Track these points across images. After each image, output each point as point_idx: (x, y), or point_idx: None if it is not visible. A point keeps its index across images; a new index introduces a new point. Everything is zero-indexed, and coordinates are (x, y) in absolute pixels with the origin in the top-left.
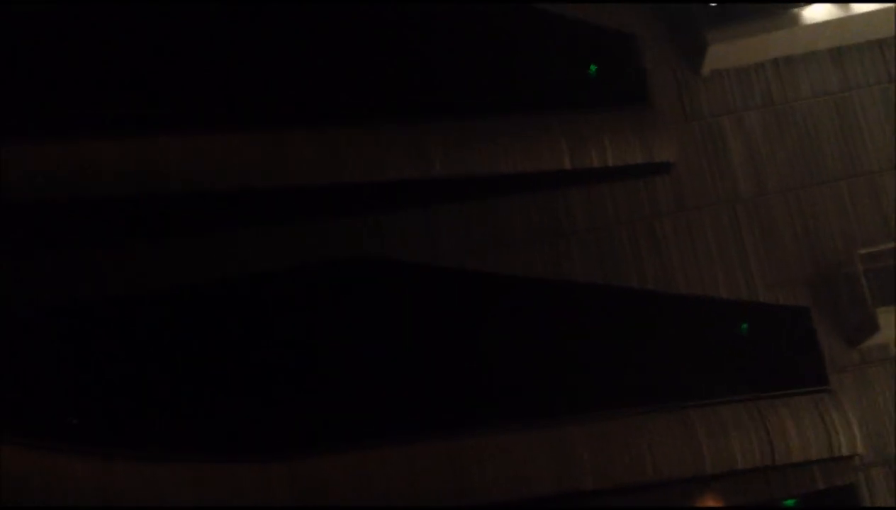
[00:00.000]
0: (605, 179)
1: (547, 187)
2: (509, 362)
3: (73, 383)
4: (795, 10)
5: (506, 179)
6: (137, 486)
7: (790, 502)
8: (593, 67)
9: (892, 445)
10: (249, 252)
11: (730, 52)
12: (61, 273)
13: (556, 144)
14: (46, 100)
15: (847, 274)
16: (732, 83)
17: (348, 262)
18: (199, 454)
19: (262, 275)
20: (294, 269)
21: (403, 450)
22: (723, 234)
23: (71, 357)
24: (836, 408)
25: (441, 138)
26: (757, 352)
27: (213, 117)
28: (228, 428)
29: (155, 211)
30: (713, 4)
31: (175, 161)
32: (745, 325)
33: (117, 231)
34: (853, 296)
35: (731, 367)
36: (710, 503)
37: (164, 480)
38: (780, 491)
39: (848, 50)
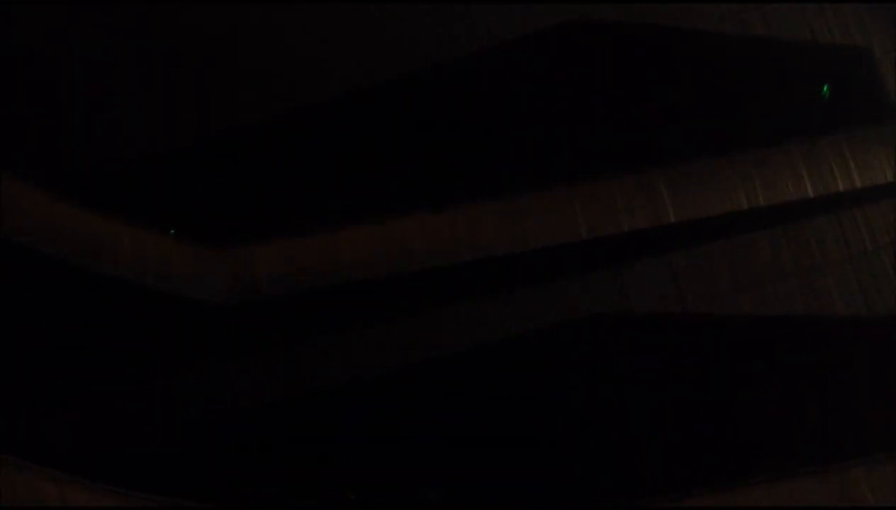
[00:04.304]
0: (855, 203)
1: (793, 219)
2: (777, 410)
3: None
4: None
5: (747, 216)
6: None
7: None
8: (826, 88)
9: None
10: (494, 319)
11: None
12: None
13: (796, 172)
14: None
15: None
16: None
17: (594, 320)
18: None
19: (509, 340)
20: (541, 331)
21: None
22: None
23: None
24: None
25: (671, 182)
26: None
27: (445, 195)
28: (489, 491)
29: (398, 289)
30: None
31: (418, 240)
32: None
33: (368, 311)
34: None
35: None
36: None
37: None
38: None
39: None
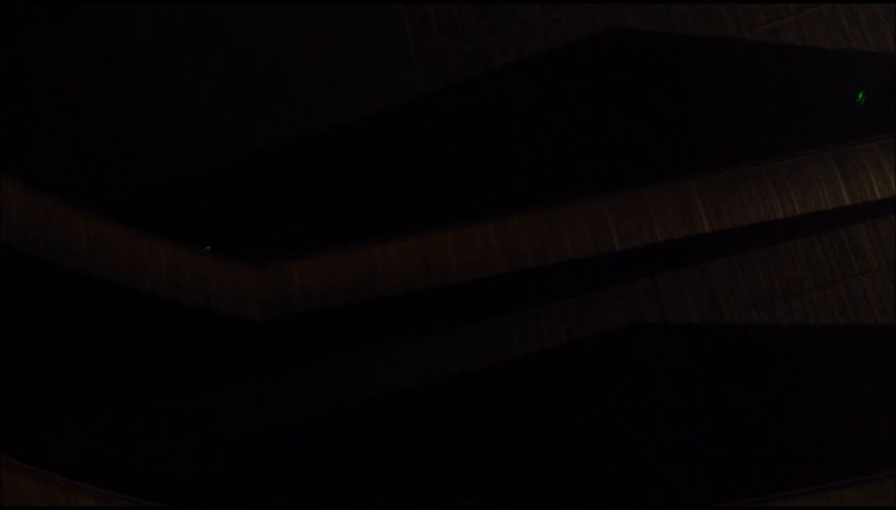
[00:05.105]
0: (892, 210)
1: (829, 227)
2: (814, 419)
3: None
4: None
5: (782, 224)
6: None
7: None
8: (861, 95)
9: None
10: (529, 330)
11: None
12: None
13: (832, 180)
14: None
15: None
16: None
17: (629, 331)
18: None
19: (544, 351)
20: (576, 342)
21: None
22: None
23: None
24: None
25: (704, 191)
26: None
27: (477, 208)
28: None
29: (434, 302)
30: None
31: (452, 253)
32: None
33: (405, 325)
34: None
35: None
36: None
37: None
38: None
39: None
